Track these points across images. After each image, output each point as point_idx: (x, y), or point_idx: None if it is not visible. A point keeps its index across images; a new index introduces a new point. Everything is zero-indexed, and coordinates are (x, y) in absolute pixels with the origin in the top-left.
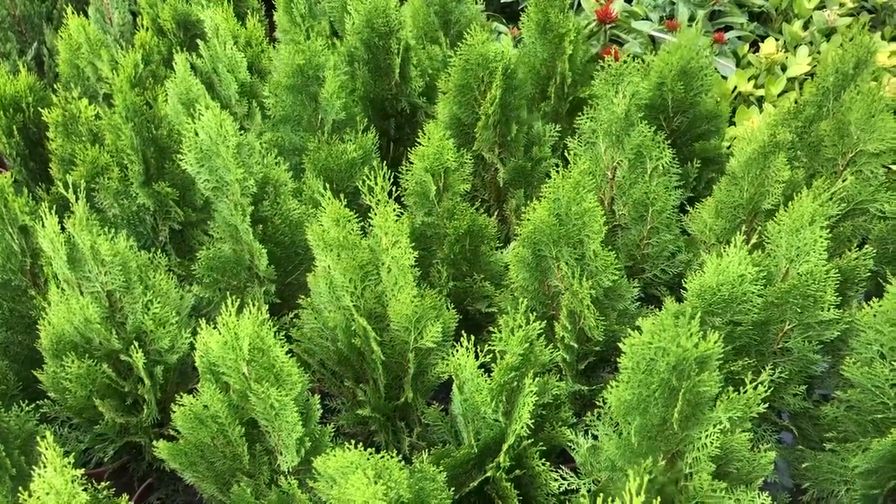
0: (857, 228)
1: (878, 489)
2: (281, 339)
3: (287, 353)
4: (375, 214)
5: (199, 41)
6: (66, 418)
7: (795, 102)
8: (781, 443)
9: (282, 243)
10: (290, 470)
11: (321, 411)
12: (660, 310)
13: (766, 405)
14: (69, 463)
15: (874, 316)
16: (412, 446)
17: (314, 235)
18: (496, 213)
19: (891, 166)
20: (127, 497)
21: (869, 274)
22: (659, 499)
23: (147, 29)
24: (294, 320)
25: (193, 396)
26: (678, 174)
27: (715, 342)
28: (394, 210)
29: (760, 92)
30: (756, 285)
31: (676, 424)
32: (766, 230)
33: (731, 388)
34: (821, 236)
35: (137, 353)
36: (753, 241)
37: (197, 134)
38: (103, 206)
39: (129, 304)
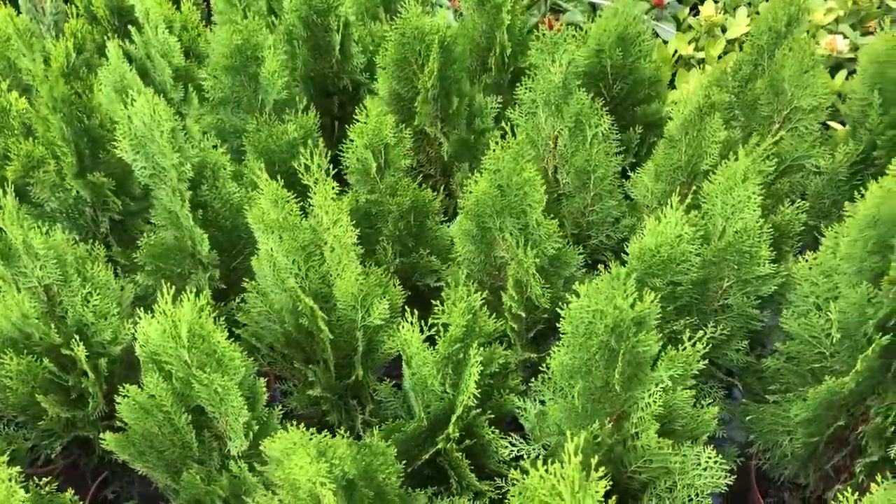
0: (794, 185)
1: (817, 436)
2: (221, 325)
3: (231, 338)
4: (315, 194)
5: (131, 27)
6: (12, 416)
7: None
8: (734, 398)
9: (223, 228)
10: (240, 454)
11: (268, 394)
12: None
13: (711, 362)
14: (3, 462)
15: (809, 269)
16: (365, 423)
17: (254, 218)
18: (443, 188)
19: (829, 122)
20: (73, 492)
21: (803, 228)
22: (596, 458)
23: (79, 17)
24: (241, 305)
25: (139, 387)
26: (619, 140)
27: (651, 302)
28: (334, 188)
29: (701, 54)
30: (693, 245)
31: (619, 385)
32: (702, 190)
33: (671, 348)
34: (753, 193)
35: (79, 346)
36: (693, 201)
37: (131, 120)
38: (40, 200)
39: (68, 297)
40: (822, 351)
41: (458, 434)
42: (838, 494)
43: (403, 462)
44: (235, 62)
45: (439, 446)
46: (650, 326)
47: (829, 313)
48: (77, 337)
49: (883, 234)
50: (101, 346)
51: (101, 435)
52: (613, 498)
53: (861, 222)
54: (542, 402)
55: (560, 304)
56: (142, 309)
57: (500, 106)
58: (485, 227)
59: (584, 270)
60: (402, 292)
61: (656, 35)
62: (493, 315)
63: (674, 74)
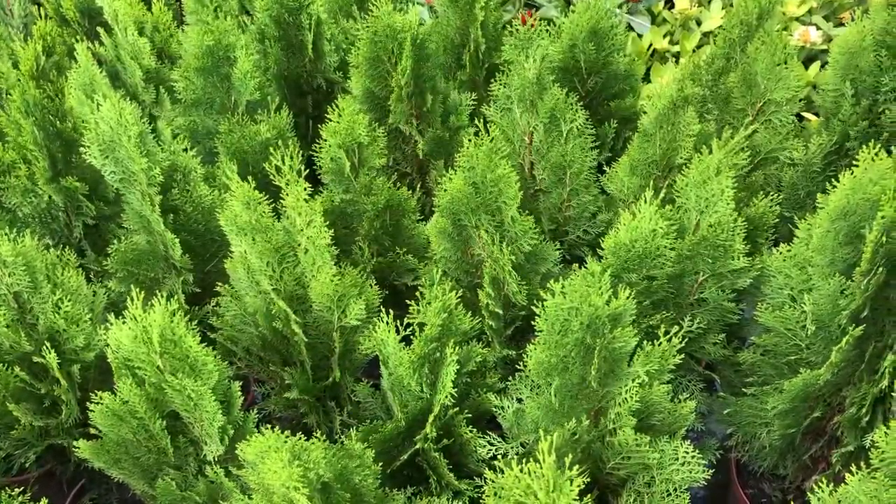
0: (769, 177)
1: (794, 428)
2: (194, 329)
3: (205, 342)
4: (287, 195)
5: (100, 29)
6: None
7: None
8: (716, 392)
9: (196, 231)
10: (216, 459)
11: (248, 397)
12: None
13: (689, 356)
14: None
15: (784, 261)
16: (344, 425)
17: (226, 220)
18: (419, 186)
19: (803, 114)
20: (48, 501)
21: (777, 220)
22: (571, 456)
23: (50, 19)
24: (216, 308)
25: (114, 393)
26: (593, 135)
27: (626, 298)
28: (306, 189)
29: (676, 48)
30: (668, 239)
31: (595, 382)
32: (676, 184)
33: (647, 343)
34: (727, 186)
35: (50, 353)
36: (670, 195)
37: (98, 125)
38: (12, 206)
39: (39, 304)
40: (797, 343)
41: (435, 434)
42: (814, 485)
43: (382, 463)
44: (207, 63)
45: (417, 446)
46: (626, 322)
47: (803, 305)
48: (48, 344)
49: (854, 224)
50: (73, 353)
51: (75, 443)
52: (589, 496)
53: (832, 213)
54: (520, 400)
55: (538, 300)
56: (115, 315)
57: (476, 103)
58: (460, 224)
59: (561, 266)
60: (379, 292)
61: (631, 29)
62: (472, 313)
63: (649, 68)
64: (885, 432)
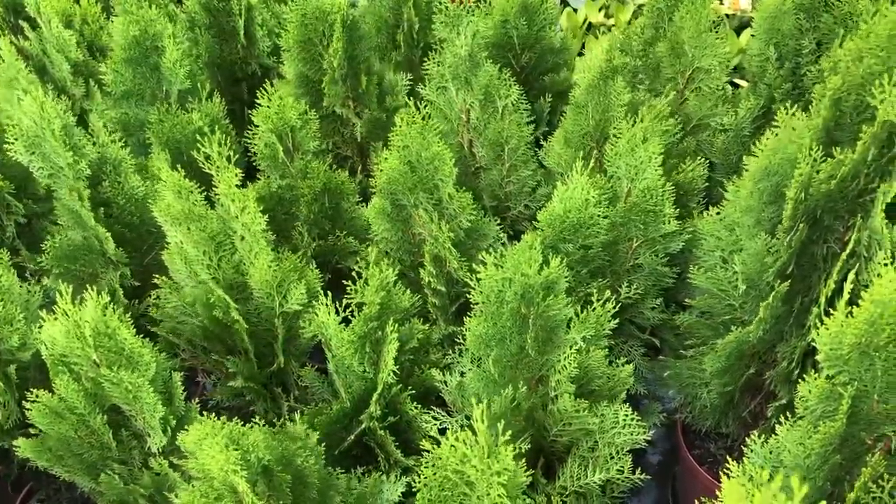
0: (702, 143)
1: (731, 385)
2: (128, 321)
3: (148, 335)
4: (219, 182)
5: (24, 23)
6: None
7: (630, 25)
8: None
9: (130, 224)
10: (161, 450)
11: (189, 389)
12: None
13: (630, 322)
14: None
15: (714, 224)
16: (292, 410)
17: (160, 211)
18: (360, 169)
19: (737, 81)
20: None
21: (709, 185)
22: (505, 422)
23: None
24: (156, 301)
25: (52, 391)
26: (529, 110)
27: (557, 267)
28: (237, 175)
29: (612, 22)
30: (600, 207)
31: (533, 350)
32: (606, 153)
33: (581, 310)
34: (654, 153)
35: None
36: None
37: (21, 120)
38: None
39: None
40: (731, 303)
41: (380, 412)
42: (747, 438)
43: (331, 444)
44: (135, 53)
45: (364, 426)
46: (559, 290)
47: (733, 266)
48: None
49: (776, 184)
50: (9, 353)
51: (15, 442)
52: (523, 461)
53: (755, 174)
54: (463, 374)
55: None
56: (47, 312)
57: (413, 82)
58: (399, 204)
59: (503, 241)
60: (321, 276)
61: (566, 4)
62: (417, 292)
63: (585, 44)
64: (808, 383)
